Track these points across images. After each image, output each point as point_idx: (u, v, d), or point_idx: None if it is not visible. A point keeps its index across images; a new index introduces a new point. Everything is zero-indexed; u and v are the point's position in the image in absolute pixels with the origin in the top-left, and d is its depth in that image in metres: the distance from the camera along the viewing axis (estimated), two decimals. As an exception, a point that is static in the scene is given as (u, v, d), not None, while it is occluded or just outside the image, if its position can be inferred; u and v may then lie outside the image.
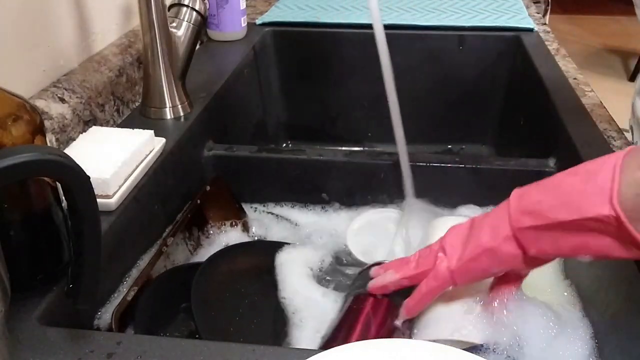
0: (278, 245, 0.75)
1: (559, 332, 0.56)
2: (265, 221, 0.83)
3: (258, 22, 1.19)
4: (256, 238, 0.80)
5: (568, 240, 0.46)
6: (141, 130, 0.72)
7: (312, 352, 0.45)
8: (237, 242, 0.76)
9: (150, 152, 0.71)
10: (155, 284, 0.64)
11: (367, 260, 0.68)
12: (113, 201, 0.63)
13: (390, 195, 0.84)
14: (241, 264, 0.71)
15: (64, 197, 0.44)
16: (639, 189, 0.42)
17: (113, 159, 0.65)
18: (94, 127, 0.73)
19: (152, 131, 0.72)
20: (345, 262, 0.76)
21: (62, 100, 0.72)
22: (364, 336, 0.56)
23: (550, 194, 0.47)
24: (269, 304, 0.68)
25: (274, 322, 0.66)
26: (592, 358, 0.56)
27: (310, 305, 0.66)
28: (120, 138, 0.69)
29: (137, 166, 0.68)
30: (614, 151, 0.68)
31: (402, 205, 0.82)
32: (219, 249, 0.76)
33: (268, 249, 0.75)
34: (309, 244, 0.77)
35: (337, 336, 0.57)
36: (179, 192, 0.78)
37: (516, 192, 0.50)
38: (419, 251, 0.57)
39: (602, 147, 0.75)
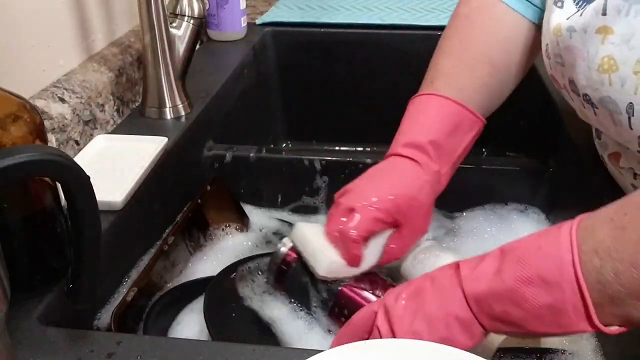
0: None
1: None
2: (264, 221, 0.83)
3: (258, 22, 1.19)
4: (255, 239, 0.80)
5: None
6: (154, 137, 0.74)
7: (312, 352, 0.45)
8: (237, 241, 0.76)
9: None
10: (165, 297, 0.64)
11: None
12: (119, 200, 0.64)
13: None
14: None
15: (64, 197, 0.44)
16: (600, 276, 0.40)
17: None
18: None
19: (165, 138, 0.73)
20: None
21: (62, 100, 0.72)
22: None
23: (511, 305, 0.44)
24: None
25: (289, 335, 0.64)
26: (593, 357, 0.56)
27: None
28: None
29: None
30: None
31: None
32: (218, 249, 0.76)
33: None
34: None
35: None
36: (179, 192, 0.78)
37: (471, 295, 0.46)
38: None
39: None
